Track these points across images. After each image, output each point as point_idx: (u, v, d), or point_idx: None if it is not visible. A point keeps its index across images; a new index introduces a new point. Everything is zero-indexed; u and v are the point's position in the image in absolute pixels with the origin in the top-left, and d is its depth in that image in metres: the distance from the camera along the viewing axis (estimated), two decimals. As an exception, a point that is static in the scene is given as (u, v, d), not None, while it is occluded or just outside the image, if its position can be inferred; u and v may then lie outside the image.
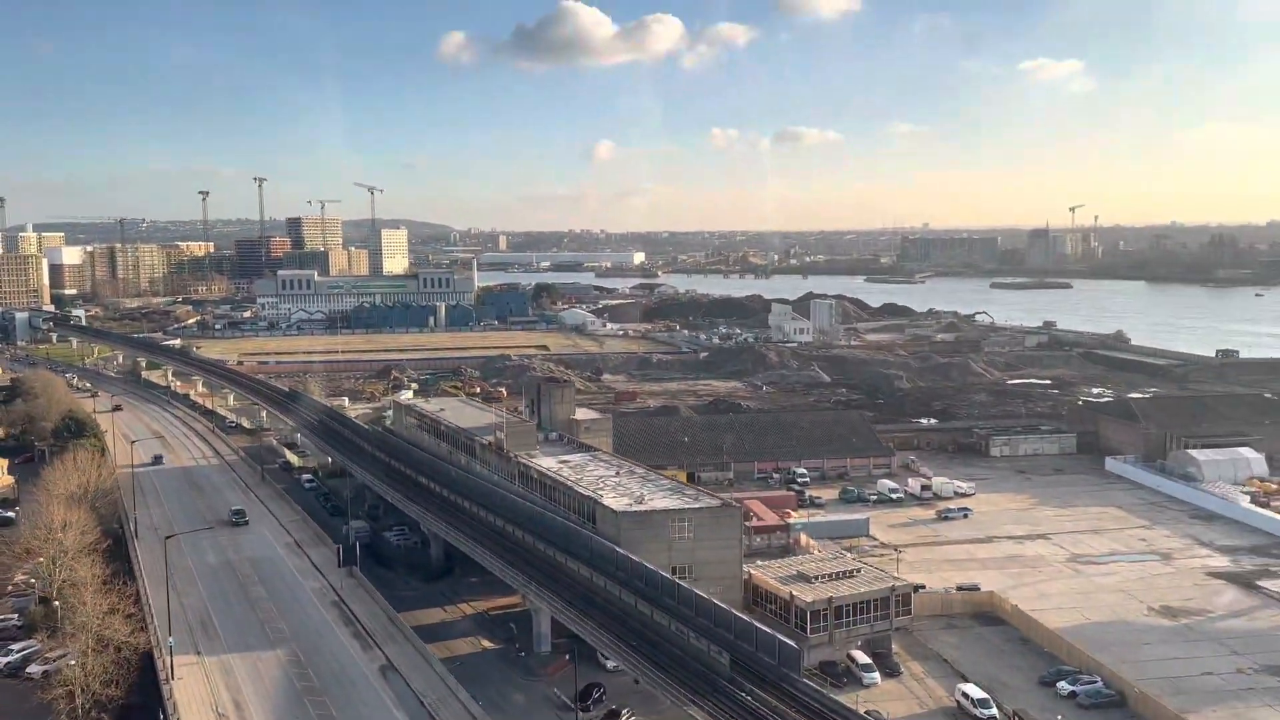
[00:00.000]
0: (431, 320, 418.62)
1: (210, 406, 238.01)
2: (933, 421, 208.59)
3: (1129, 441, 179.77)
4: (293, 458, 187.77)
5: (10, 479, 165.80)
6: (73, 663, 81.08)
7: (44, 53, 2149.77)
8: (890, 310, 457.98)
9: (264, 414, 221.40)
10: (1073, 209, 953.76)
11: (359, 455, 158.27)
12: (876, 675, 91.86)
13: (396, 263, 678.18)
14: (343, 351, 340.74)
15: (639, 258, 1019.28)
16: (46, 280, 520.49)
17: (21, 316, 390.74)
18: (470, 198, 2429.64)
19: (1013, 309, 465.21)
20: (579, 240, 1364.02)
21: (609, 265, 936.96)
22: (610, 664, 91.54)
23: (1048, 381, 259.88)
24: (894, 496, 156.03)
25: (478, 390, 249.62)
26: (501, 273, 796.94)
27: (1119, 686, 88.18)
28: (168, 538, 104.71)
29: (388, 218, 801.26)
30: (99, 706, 78.58)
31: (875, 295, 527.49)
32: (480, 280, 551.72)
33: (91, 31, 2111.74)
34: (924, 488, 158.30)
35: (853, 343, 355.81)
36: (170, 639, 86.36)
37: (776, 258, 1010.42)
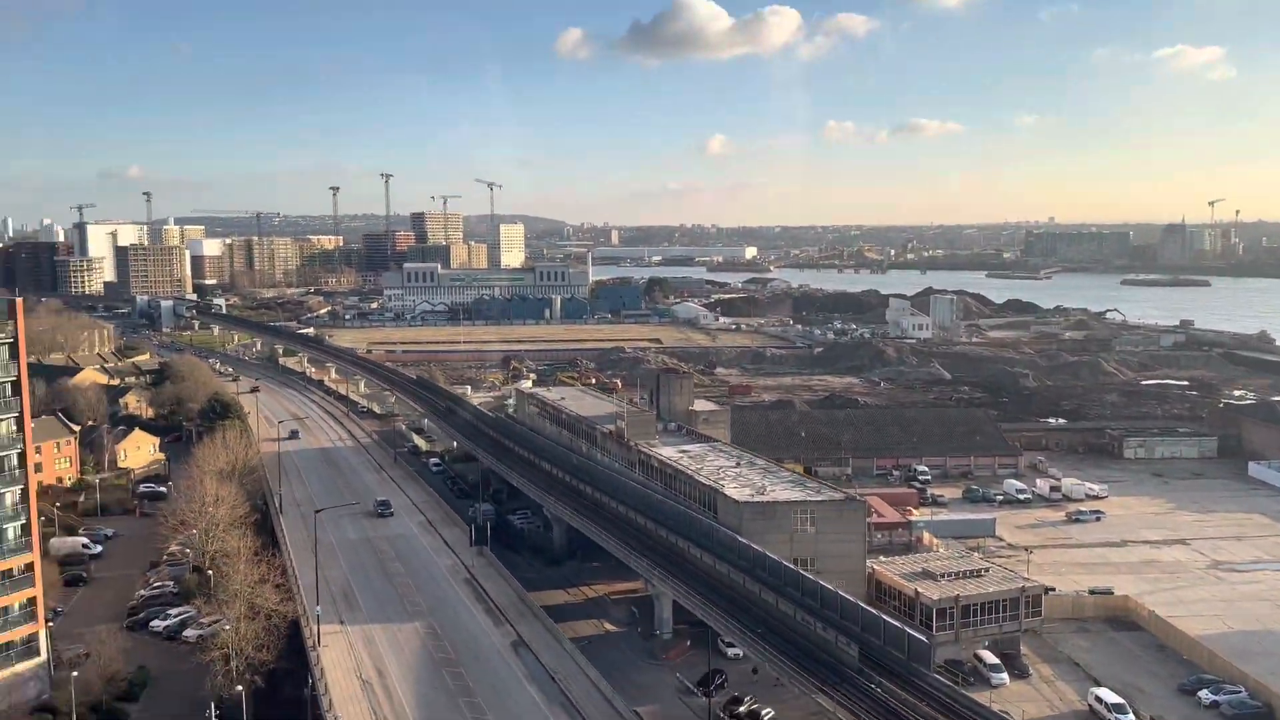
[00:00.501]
0: (547, 312, 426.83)
1: (343, 392, 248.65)
2: (1061, 421, 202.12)
3: (1275, 446, 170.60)
4: (420, 442, 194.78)
5: (162, 456, 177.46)
6: (227, 628, 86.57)
7: (183, 54, 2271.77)
8: (1014, 307, 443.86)
9: (393, 400, 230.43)
10: (1212, 203, 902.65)
11: (484, 441, 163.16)
12: (1005, 676, 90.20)
13: (513, 256, 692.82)
14: (464, 342, 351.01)
15: (750, 252, 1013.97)
16: (189, 271, 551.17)
17: (167, 305, 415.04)
18: (583, 193, 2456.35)
19: (1146, 307, 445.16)
20: (690, 235, 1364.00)
21: (720, 260, 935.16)
22: (731, 651, 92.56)
23: (1185, 382, 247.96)
24: (1021, 497, 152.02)
25: (593, 381, 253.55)
26: (614, 267, 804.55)
27: (1266, 698, 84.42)
28: (317, 511, 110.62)
29: (505, 213, 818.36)
30: (252, 669, 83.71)
31: (998, 291, 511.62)
32: (593, 274, 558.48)
33: (226, 34, 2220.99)
34: (1053, 489, 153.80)
35: (974, 339, 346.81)
36: (317, 608, 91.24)
37: (893, 252, 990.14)
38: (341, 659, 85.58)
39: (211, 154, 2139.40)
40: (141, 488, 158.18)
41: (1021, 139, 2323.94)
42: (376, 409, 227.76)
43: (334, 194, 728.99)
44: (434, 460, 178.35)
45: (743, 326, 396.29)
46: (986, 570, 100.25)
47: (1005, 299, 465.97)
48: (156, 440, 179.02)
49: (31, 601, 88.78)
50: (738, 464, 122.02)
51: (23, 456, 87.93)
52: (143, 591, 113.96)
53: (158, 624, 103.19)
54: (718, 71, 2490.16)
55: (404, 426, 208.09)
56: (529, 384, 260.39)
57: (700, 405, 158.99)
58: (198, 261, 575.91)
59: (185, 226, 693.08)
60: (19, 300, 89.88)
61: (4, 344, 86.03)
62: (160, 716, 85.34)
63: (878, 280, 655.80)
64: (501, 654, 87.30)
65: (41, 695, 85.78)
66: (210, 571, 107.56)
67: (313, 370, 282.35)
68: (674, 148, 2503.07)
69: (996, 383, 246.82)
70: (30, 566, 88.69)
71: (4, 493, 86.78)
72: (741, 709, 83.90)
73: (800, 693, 76.69)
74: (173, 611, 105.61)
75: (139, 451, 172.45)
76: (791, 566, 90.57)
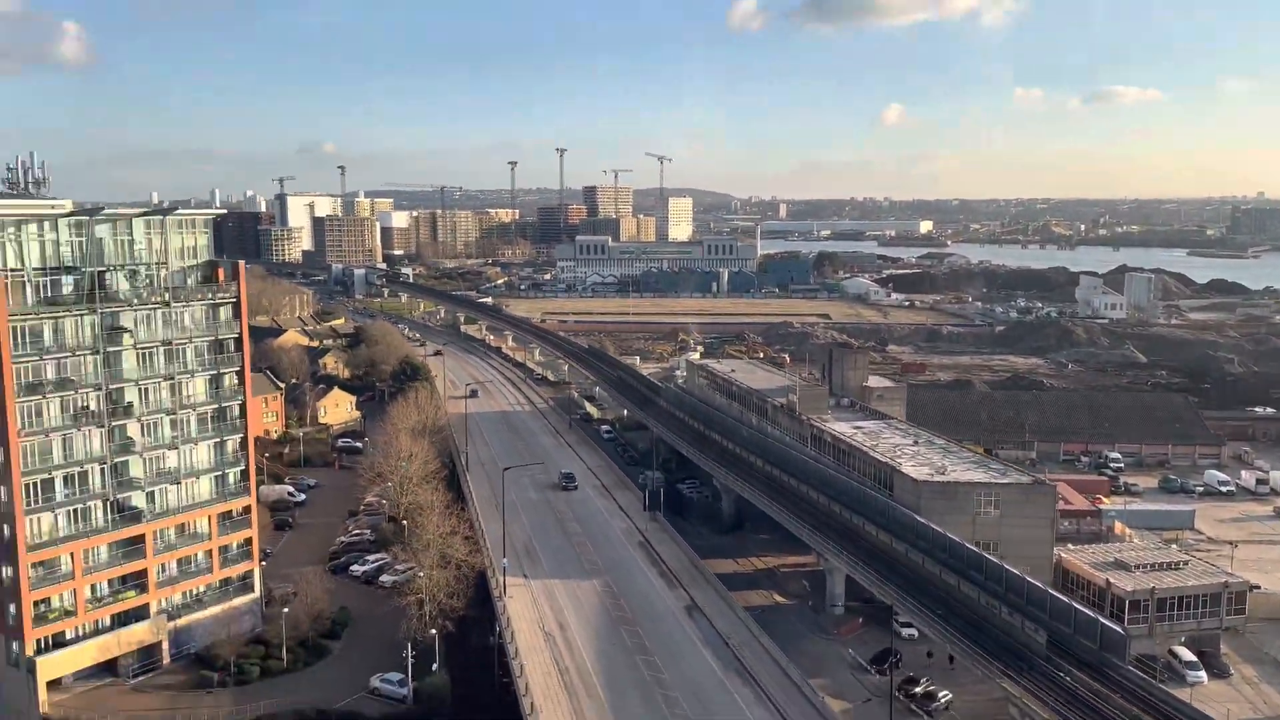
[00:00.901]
0: (715, 286, 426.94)
1: (520, 359, 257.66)
2: (1270, 411, 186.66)
3: None
4: (592, 409, 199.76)
5: (358, 414, 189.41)
6: (421, 575, 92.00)
7: (371, 35, 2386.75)
8: (1218, 287, 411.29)
9: (566, 368, 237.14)
10: None
11: (654, 410, 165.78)
12: (1202, 674, 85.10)
13: (681, 230, 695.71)
14: (633, 313, 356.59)
15: (926, 226, 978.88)
16: (379, 241, 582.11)
17: (359, 273, 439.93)
18: (750, 166, 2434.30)
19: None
20: (861, 208, 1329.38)
21: (893, 234, 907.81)
22: (906, 632, 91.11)
23: None
24: (1223, 489, 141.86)
25: (760, 355, 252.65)
26: (781, 241, 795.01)
27: None
28: (505, 469, 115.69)
29: (673, 186, 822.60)
30: (443, 614, 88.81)
31: (1200, 270, 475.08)
32: (761, 248, 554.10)
33: (410, 13, 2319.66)
34: (1260, 481, 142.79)
35: (1173, 321, 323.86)
36: (504, 561, 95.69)
37: (1083, 227, 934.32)
38: (525, 611, 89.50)
39: (399, 131, 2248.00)
40: (339, 443, 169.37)
41: (1228, 106, 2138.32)
42: (550, 376, 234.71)
43: (512, 168, 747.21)
44: (605, 428, 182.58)
45: (916, 303, 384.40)
46: (1185, 563, 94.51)
47: (1208, 279, 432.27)
48: (353, 399, 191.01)
49: (248, 542, 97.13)
50: (915, 442, 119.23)
51: (243, 408, 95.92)
52: (342, 538, 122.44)
53: (356, 569, 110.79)
54: (897, 39, 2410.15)
55: (576, 394, 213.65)
56: (696, 356, 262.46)
57: (875, 382, 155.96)
58: (386, 233, 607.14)
59: (375, 199, 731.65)
60: (241, 262, 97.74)
61: (228, 303, 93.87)
62: (359, 654, 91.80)
63: (1066, 257, 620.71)
64: (676, 616, 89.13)
65: (255, 628, 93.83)
66: (405, 522, 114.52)
67: (491, 338, 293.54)
68: (847, 119, 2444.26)
69: (1198, 368, 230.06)
70: (248, 509, 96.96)
71: (227, 440, 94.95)
72: (917, 689, 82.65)
73: (983, 677, 74.83)
74: (370, 558, 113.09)
75: (337, 409, 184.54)
76: (974, 549, 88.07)
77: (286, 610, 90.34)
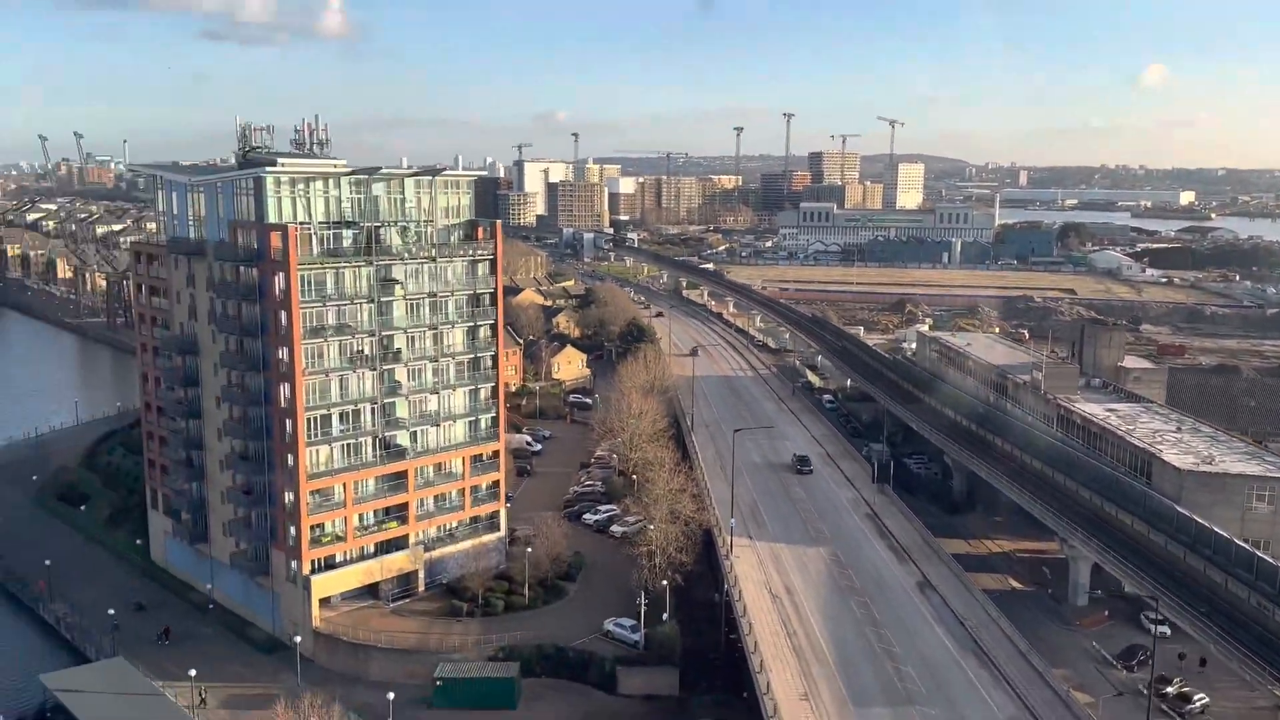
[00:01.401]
0: (945, 256, 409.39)
1: (740, 325, 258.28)
2: None
3: None
4: (813, 378, 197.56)
5: (588, 371, 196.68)
6: (651, 528, 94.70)
7: (602, 4, 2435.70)
8: None
9: (787, 335, 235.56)
10: None
11: (882, 382, 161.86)
12: None
13: (910, 198, 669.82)
14: (857, 283, 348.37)
15: (1186, 197, 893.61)
16: (606, 207, 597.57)
17: (588, 237, 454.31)
18: (987, 131, 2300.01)
19: None
20: (1112, 176, 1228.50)
21: (1148, 205, 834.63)
22: (1157, 630, 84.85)
23: None
24: None
25: (996, 330, 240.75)
26: (1021, 210, 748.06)
27: None
28: (737, 431, 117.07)
29: (904, 152, 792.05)
30: (672, 567, 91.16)
31: None
32: (999, 217, 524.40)
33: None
34: None
35: None
36: (732, 520, 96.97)
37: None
38: (751, 572, 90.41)
39: (627, 99, 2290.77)
40: (571, 398, 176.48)
41: None
42: (771, 343, 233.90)
43: (737, 134, 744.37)
44: (827, 397, 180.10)
45: (1175, 280, 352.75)
46: None
47: None
48: (584, 357, 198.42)
49: (496, 484, 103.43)
50: (1178, 428, 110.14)
51: (495, 359, 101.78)
52: (575, 488, 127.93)
53: (589, 518, 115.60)
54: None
55: (798, 362, 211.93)
56: (925, 328, 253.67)
57: (1131, 362, 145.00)
58: (613, 198, 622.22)
59: (604, 165, 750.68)
60: (498, 222, 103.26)
61: (487, 259, 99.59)
62: (592, 596, 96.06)
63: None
64: (907, 591, 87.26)
65: (499, 565, 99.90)
66: (634, 476, 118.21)
67: (713, 303, 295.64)
68: (1099, 79, 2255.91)
69: None
70: (496, 454, 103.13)
71: (480, 388, 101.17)
72: (1170, 689, 77.16)
73: (1244, 683, 68.87)
74: (602, 508, 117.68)
75: (569, 365, 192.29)
76: (1246, 546, 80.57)
77: (530, 550, 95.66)
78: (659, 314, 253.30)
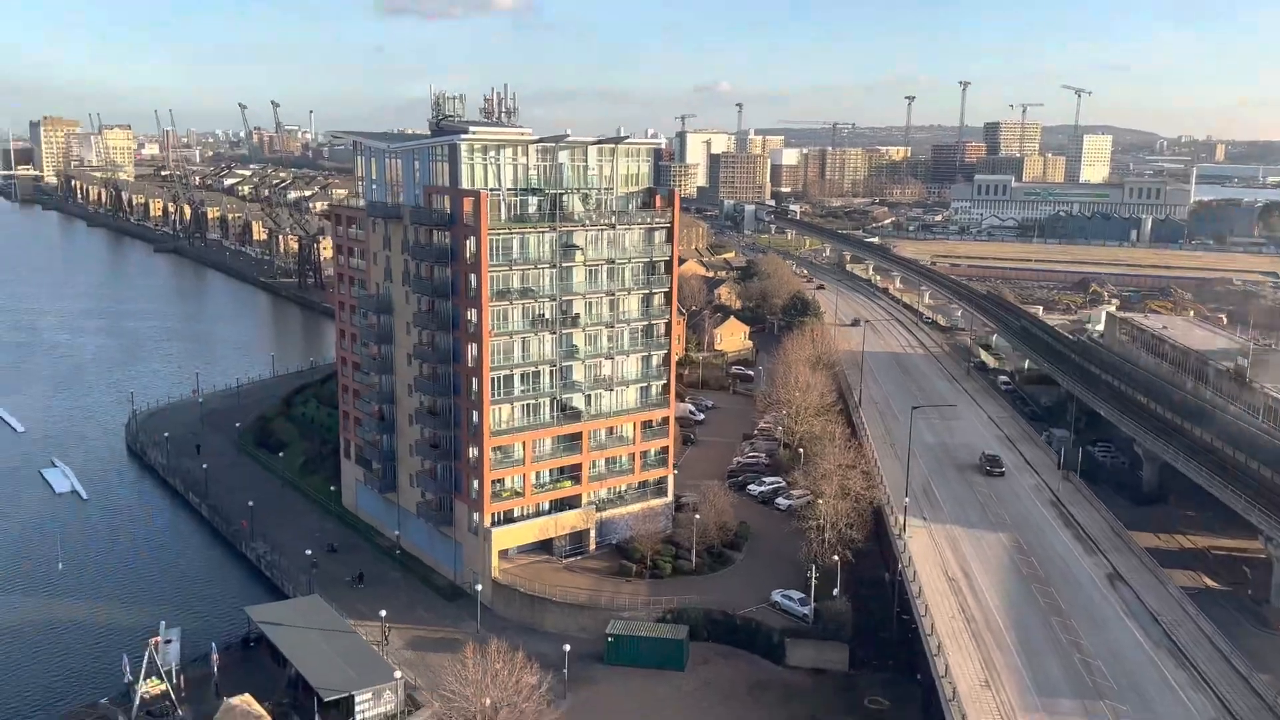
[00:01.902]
0: (1134, 234, 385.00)
1: (907, 301, 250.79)
2: None
3: None
4: (988, 358, 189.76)
5: (750, 344, 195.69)
6: (820, 502, 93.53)
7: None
8: None
9: (959, 313, 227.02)
10: None
11: (1066, 364, 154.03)
12: None
13: (1095, 171, 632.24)
14: (1036, 260, 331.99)
15: None
16: (768, 179, 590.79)
17: (749, 209, 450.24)
18: (1182, 101, 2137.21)
19: None
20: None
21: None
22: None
23: None
24: None
25: (1190, 313, 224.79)
26: (1218, 187, 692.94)
27: None
28: (914, 408, 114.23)
29: (1088, 124, 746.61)
30: (842, 542, 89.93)
31: None
32: (1195, 194, 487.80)
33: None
34: None
35: None
36: (906, 499, 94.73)
37: None
38: (926, 552, 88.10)
39: (792, 69, 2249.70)
40: (733, 369, 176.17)
41: None
42: (941, 321, 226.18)
43: (908, 104, 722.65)
44: (1003, 378, 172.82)
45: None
46: None
47: None
48: (746, 329, 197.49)
49: (664, 450, 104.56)
50: None
51: (668, 326, 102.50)
52: (738, 459, 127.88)
53: (754, 489, 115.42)
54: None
55: (970, 341, 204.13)
56: (1112, 309, 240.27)
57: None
58: (776, 170, 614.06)
59: (766, 137, 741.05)
60: (676, 190, 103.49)
61: (663, 228, 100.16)
62: (757, 567, 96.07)
63: None
64: (1095, 583, 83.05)
65: (665, 530, 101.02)
66: (801, 450, 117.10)
67: (878, 278, 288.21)
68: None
69: None
70: (665, 420, 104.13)
71: (652, 354, 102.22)
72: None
73: None
74: (766, 480, 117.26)
75: (731, 337, 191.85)
76: None
77: (698, 516, 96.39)
78: (820, 286, 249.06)
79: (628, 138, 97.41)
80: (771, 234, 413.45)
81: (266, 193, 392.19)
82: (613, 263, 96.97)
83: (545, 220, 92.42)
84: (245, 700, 73.47)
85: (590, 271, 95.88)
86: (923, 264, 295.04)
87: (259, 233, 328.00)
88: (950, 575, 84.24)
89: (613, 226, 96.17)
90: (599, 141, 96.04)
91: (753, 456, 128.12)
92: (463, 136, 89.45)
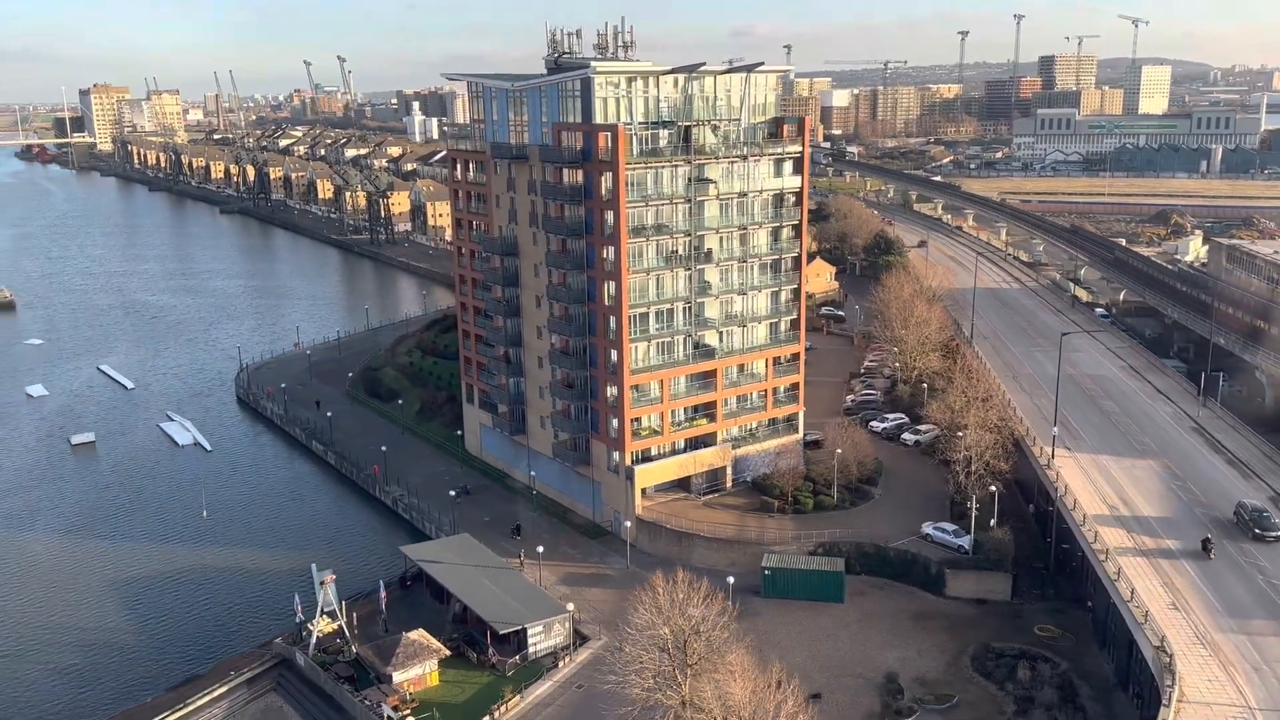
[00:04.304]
0: (1204, 165, 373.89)
1: (983, 239, 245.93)
2: None
3: None
4: (1080, 292, 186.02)
5: (836, 284, 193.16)
6: (962, 435, 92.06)
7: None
8: None
9: (1041, 248, 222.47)
10: None
11: (1169, 294, 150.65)
12: None
13: (1154, 104, 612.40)
14: (1108, 194, 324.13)
15: None
16: (819, 121, 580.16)
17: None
18: (1234, 32, 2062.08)
19: None
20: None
21: None
22: None
23: None
24: None
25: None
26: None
27: None
28: (1064, 335, 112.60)
29: (1144, 56, 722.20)
30: (989, 474, 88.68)
31: None
32: (1265, 123, 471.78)
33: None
34: None
35: None
36: (1055, 429, 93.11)
37: None
38: (1077, 481, 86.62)
39: (833, 7, 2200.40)
40: (823, 310, 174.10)
41: None
42: (1023, 257, 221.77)
43: (961, 39, 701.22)
44: (1100, 311, 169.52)
45: None
46: None
47: None
48: (832, 269, 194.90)
49: (794, 386, 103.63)
50: None
51: (797, 260, 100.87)
52: (851, 397, 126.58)
53: (876, 425, 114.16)
54: None
55: (1057, 276, 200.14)
56: (1197, 241, 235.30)
57: None
58: (826, 112, 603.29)
59: (813, 79, 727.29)
60: (808, 119, 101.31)
61: (793, 158, 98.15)
62: (897, 501, 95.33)
63: None
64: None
65: (796, 466, 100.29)
66: (924, 385, 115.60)
67: (948, 217, 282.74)
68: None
69: None
70: (795, 357, 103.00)
71: (782, 290, 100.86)
72: None
73: None
74: (889, 416, 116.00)
75: (818, 278, 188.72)
76: None
77: (839, 451, 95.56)
78: (890, 223, 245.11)
79: (760, 64, 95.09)
80: (829, 177, 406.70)
81: (323, 152, 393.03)
82: (744, 195, 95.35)
83: (678, 154, 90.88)
84: (420, 634, 74.58)
85: (723, 206, 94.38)
86: (994, 200, 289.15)
87: (324, 191, 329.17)
88: (1109, 503, 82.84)
89: (744, 158, 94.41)
90: (730, 70, 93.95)
91: (867, 394, 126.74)
92: (597, 70, 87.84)
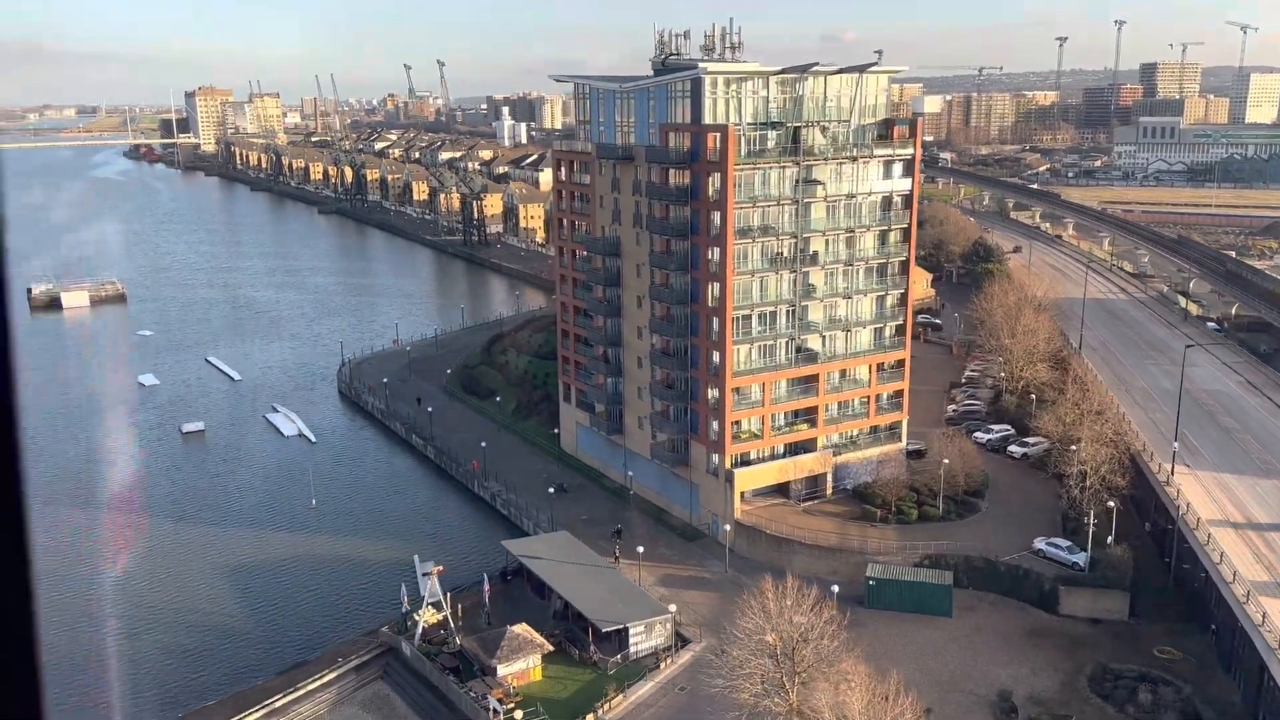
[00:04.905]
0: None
1: (1084, 249, 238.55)
2: None
3: None
4: (1191, 306, 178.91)
5: (933, 291, 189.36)
6: (1076, 449, 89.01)
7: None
8: None
9: (1146, 260, 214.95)
10: None
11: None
12: None
13: (1262, 112, 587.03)
14: (1215, 205, 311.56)
15: None
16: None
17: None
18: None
19: None
20: None
21: None
22: None
23: None
24: None
25: None
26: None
27: None
28: (1188, 347, 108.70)
29: (1253, 64, 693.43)
30: (1106, 490, 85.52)
31: None
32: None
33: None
34: None
35: None
36: (1174, 444, 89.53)
37: None
38: (1199, 498, 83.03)
39: (921, 11, 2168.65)
40: (919, 318, 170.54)
41: None
42: (1127, 268, 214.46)
43: (1059, 45, 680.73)
44: (1211, 324, 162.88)
45: None
46: None
47: None
48: (929, 276, 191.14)
49: (898, 394, 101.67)
50: None
51: (904, 264, 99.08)
52: (953, 407, 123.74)
53: (980, 436, 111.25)
54: None
55: (1165, 288, 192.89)
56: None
57: None
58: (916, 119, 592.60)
59: (902, 85, 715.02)
60: (920, 119, 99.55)
61: (903, 160, 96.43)
62: (1006, 515, 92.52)
63: None
64: (1407, 532, 76.77)
65: (899, 475, 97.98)
66: (1034, 396, 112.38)
67: (1047, 225, 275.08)
68: None
69: None
70: (900, 363, 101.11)
71: (888, 294, 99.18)
72: None
73: None
74: (994, 428, 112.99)
75: (915, 285, 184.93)
76: None
77: (946, 461, 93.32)
78: (1017, 249, 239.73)
79: (873, 65, 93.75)
80: (921, 183, 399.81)
81: (416, 155, 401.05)
82: (852, 198, 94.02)
83: (786, 155, 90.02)
84: (524, 628, 75.06)
85: (830, 208, 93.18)
86: (1095, 209, 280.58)
87: (419, 193, 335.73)
88: (1233, 522, 79.20)
89: (853, 160, 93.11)
90: (842, 70, 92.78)
91: (970, 405, 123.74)
92: (707, 70, 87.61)
